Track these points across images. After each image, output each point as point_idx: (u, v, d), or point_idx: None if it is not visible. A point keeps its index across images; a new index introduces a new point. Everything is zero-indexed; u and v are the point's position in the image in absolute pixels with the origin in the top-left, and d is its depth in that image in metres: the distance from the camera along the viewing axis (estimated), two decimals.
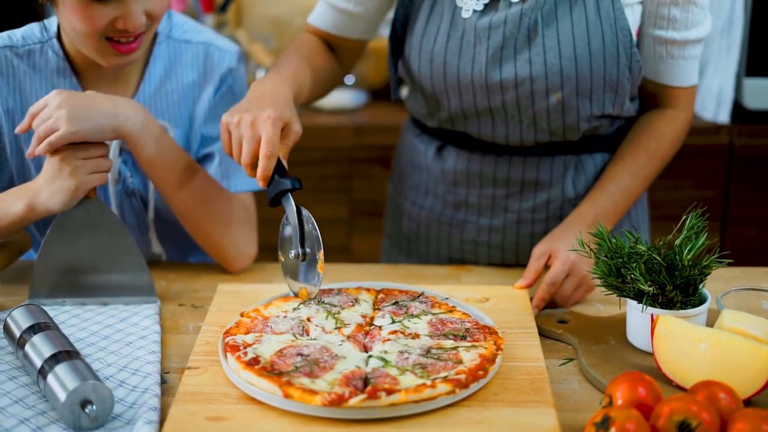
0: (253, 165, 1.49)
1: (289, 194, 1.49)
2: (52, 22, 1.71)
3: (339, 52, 1.86)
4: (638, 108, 1.79)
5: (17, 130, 1.58)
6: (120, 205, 1.78)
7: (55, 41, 1.69)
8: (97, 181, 1.57)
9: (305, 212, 1.50)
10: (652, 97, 1.76)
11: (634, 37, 1.65)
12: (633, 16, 1.64)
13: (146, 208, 1.80)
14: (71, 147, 1.55)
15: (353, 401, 1.21)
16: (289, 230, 1.52)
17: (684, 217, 1.44)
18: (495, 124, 1.73)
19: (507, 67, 1.65)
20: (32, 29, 1.72)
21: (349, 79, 3.32)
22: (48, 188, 1.55)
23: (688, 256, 1.40)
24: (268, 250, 1.81)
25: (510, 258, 1.84)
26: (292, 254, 1.50)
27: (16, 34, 1.71)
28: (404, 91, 2.63)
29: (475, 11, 1.66)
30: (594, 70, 1.64)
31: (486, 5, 1.66)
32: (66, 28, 1.60)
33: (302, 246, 1.49)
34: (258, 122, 1.48)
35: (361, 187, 3.15)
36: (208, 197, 1.70)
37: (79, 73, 1.71)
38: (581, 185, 1.78)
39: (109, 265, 1.61)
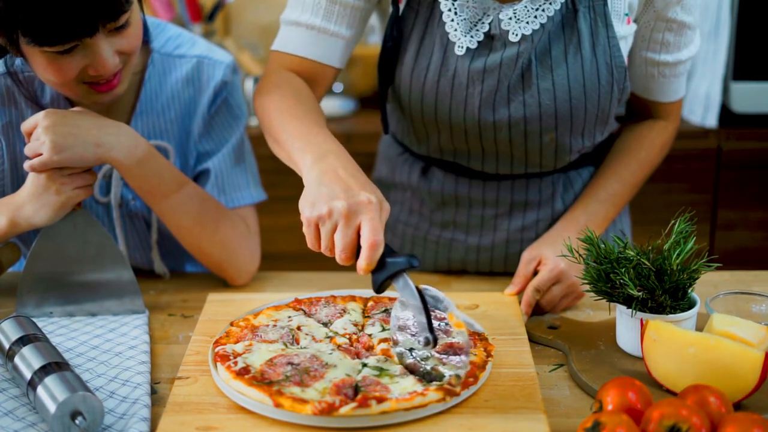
0: (352, 256, 1.31)
1: (405, 274, 1.31)
2: None
3: (315, 85, 1.67)
4: (623, 112, 1.79)
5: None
6: (123, 228, 1.76)
7: None
8: (83, 195, 1.55)
9: (426, 289, 1.35)
10: (640, 106, 1.77)
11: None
12: (626, 47, 1.62)
13: (149, 229, 1.78)
14: None
15: (344, 410, 1.21)
16: (404, 312, 1.35)
17: (672, 221, 1.44)
18: (485, 157, 1.70)
19: (501, 109, 1.61)
20: None
21: (338, 87, 3.32)
22: (33, 203, 1.53)
23: (677, 261, 1.40)
24: (261, 260, 1.80)
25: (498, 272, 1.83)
26: (422, 341, 1.29)
27: (16, 62, 1.64)
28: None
29: (469, 49, 1.59)
30: (588, 109, 1.61)
31: (480, 42, 1.59)
32: (41, 79, 1.55)
33: (431, 331, 1.29)
34: (356, 209, 1.29)
35: None
36: (204, 217, 1.67)
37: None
38: (570, 200, 1.78)
39: (97, 276, 1.60)
